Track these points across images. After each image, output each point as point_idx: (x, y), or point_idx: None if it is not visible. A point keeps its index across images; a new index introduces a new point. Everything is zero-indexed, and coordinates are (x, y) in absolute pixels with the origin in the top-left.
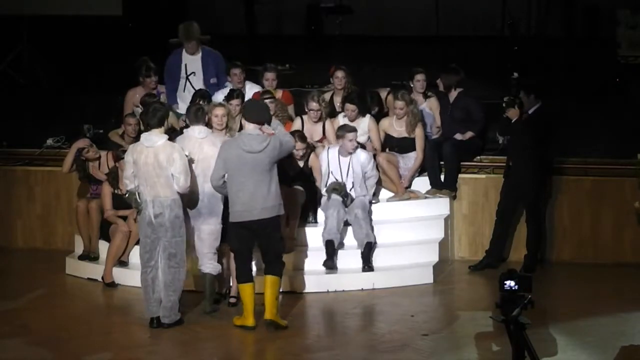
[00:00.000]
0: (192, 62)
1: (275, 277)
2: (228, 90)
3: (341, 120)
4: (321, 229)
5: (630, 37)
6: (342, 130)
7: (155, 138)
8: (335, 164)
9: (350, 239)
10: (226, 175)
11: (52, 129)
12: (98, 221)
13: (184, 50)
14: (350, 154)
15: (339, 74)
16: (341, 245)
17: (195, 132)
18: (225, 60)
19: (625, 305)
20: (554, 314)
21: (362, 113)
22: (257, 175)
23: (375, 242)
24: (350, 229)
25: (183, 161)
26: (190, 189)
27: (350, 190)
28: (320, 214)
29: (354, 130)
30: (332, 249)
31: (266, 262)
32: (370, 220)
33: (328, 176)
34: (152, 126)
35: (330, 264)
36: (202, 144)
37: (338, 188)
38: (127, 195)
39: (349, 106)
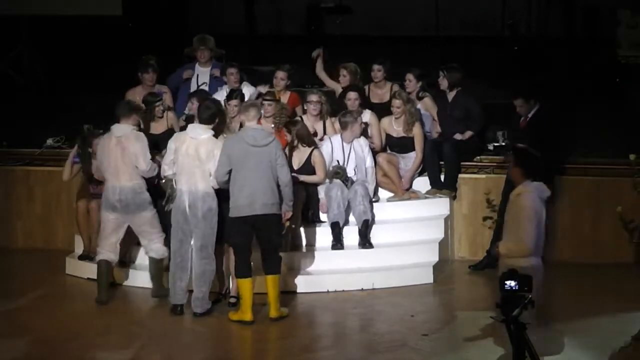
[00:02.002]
0: (203, 74)
1: (276, 275)
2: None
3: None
4: (321, 228)
5: (630, 37)
6: (350, 116)
7: (200, 131)
8: (339, 151)
9: (349, 240)
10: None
11: (52, 129)
12: (97, 221)
13: (197, 65)
14: (351, 141)
15: (342, 72)
16: (342, 245)
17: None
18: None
19: (625, 305)
20: (554, 314)
21: (362, 106)
22: (260, 171)
23: (373, 220)
24: (347, 231)
25: None
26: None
27: (351, 175)
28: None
29: (361, 113)
30: (338, 230)
31: (265, 259)
32: (371, 199)
33: (331, 163)
34: (202, 121)
35: (337, 246)
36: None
37: (340, 172)
38: (163, 181)
39: (352, 94)
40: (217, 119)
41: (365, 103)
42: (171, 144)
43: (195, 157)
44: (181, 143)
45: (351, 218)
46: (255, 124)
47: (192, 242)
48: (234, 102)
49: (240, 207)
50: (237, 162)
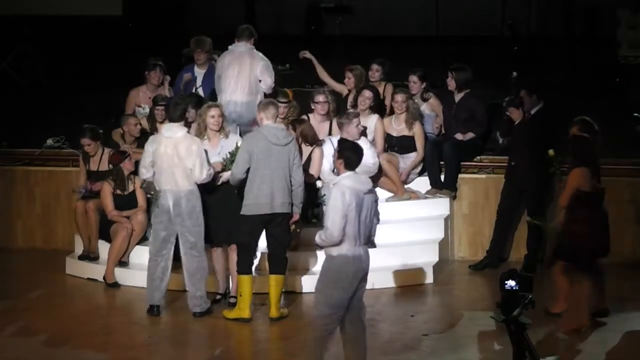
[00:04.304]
0: (200, 75)
1: (281, 275)
2: None
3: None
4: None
5: (630, 37)
6: (345, 118)
7: (175, 129)
8: None
9: None
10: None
11: (52, 129)
12: (96, 221)
13: (195, 66)
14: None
15: (347, 74)
16: None
17: None
18: None
19: (625, 305)
20: (554, 314)
21: (372, 108)
22: (280, 170)
23: (378, 220)
24: None
25: (201, 153)
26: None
27: None
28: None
29: (358, 115)
30: None
31: (272, 258)
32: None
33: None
34: (173, 120)
35: None
36: None
37: None
38: (143, 185)
39: (367, 93)
40: (186, 115)
41: (377, 106)
42: (148, 147)
43: (175, 156)
44: (158, 144)
45: None
46: (273, 122)
47: (180, 243)
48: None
49: (260, 205)
50: (258, 160)
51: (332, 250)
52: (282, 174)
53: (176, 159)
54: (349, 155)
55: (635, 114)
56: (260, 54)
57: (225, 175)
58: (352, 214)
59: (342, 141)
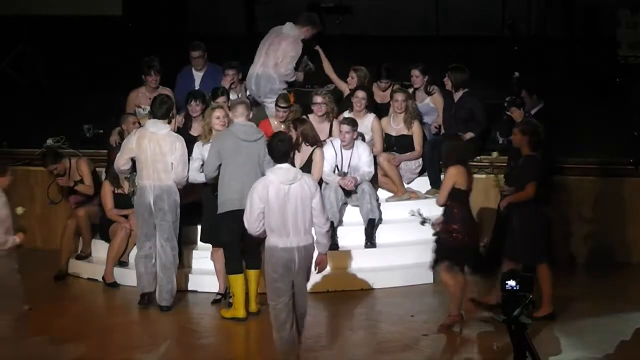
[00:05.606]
0: (198, 79)
1: (257, 270)
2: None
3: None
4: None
5: (630, 37)
6: (342, 122)
7: (160, 126)
8: (339, 155)
9: (349, 240)
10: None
11: (52, 129)
12: (87, 226)
13: (192, 69)
14: (350, 147)
15: (351, 73)
16: (336, 245)
17: None
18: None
19: (625, 305)
20: (554, 314)
21: (368, 108)
22: (249, 165)
23: (380, 219)
24: (347, 231)
25: (184, 152)
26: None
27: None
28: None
29: (350, 124)
30: (331, 229)
31: (247, 252)
32: (378, 198)
33: (336, 167)
34: (158, 117)
35: (331, 246)
36: None
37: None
38: (127, 177)
39: (360, 93)
40: (171, 114)
41: (371, 106)
42: (129, 143)
43: (157, 151)
44: (142, 138)
45: (348, 218)
46: (244, 120)
47: (157, 236)
48: (221, 99)
49: (230, 201)
50: (227, 157)
51: (266, 242)
52: (252, 169)
53: (159, 154)
54: (273, 147)
55: None
56: (299, 47)
57: (192, 176)
58: (272, 207)
59: (272, 135)
